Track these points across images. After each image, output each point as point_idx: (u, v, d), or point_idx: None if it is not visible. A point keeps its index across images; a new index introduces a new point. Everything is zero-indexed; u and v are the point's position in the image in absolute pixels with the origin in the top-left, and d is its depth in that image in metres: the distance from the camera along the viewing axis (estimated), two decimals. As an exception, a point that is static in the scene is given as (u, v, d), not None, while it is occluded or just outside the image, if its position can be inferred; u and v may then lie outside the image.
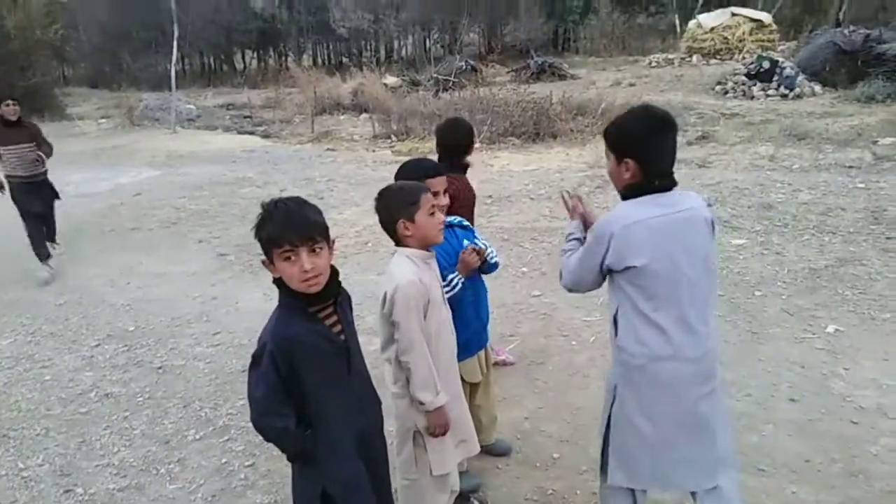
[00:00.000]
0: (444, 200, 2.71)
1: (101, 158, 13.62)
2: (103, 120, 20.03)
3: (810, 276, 5.22)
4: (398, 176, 2.70)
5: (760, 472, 3.09)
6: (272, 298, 1.99)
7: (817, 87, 15.15)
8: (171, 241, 7.47)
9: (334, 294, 2.04)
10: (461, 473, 2.88)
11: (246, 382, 1.97)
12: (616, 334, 2.21)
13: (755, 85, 15.72)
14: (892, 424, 3.38)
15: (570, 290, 2.40)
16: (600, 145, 10.49)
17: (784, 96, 14.96)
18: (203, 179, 10.68)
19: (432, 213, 2.35)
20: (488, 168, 10.38)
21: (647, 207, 2.11)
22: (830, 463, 3.13)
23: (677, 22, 28.46)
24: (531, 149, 12.52)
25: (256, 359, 1.92)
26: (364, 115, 18.44)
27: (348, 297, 2.15)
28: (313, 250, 1.89)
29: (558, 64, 23.38)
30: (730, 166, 8.98)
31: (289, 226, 1.87)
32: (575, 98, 15.94)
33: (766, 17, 22.59)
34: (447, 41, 29.53)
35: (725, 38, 21.82)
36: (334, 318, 2.05)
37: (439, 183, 2.70)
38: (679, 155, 8.03)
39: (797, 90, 15.06)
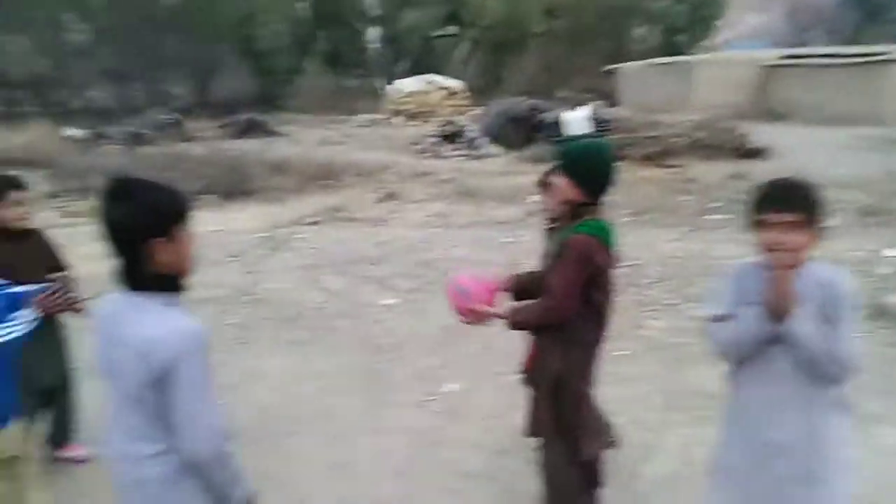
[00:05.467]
0: None
1: None
2: None
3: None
4: None
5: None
6: None
7: (498, 149, 16.75)
8: None
9: None
10: None
11: None
12: None
13: (446, 146, 16.92)
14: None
15: None
16: (296, 205, 10.00)
17: (470, 157, 16.26)
18: None
19: None
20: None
21: None
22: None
23: (382, 85, 30.08)
24: (227, 207, 11.85)
25: None
26: (37, 172, 16.20)
27: None
28: None
29: (266, 121, 23.12)
30: (403, 224, 9.28)
31: None
32: (276, 155, 15.69)
33: (458, 84, 24.81)
34: (149, 93, 27.61)
35: (423, 102, 23.48)
36: None
37: None
38: (364, 213, 7.67)
39: (481, 151, 16.51)
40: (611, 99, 28.69)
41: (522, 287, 2.95)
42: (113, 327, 1.81)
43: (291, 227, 9.24)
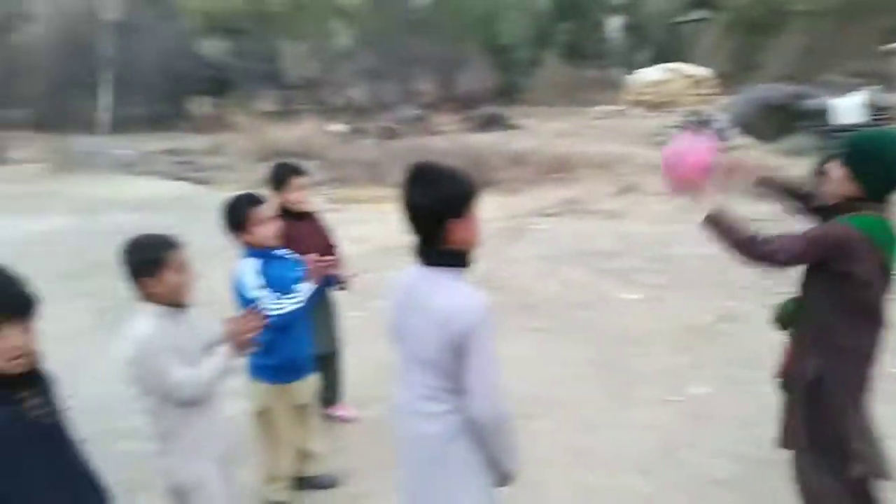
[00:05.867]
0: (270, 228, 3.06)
1: (23, 202, 13.19)
2: (39, 164, 19.58)
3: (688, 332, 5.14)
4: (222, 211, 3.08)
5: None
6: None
7: (749, 140, 15.48)
8: (58, 294, 7.10)
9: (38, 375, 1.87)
10: None
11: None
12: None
13: (690, 137, 16.04)
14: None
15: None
16: (533, 194, 10.39)
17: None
18: (117, 228, 10.33)
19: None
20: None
21: None
22: None
23: (622, 75, 29.24)
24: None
25: None
26: (308, 163, 18.40)
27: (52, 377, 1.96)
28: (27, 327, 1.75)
29: (506, 114, 23.77)
30: (643, 217, 9.01)
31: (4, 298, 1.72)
32: (515, 147, 16.09)
33: (704, 71, 23.31)
34: (400, 90, 29.90)
35: (665, 91, 22.42)
36: (37, 400, 1.85)
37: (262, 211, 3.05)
38: (601, 205, 7.79)
39: (729, 143, 15.38)
40: (890, 83, 24.96)
41: (770, 184, 2.86)
42: (410, 297, 2.04)
43: (530, 217, 9.46)
